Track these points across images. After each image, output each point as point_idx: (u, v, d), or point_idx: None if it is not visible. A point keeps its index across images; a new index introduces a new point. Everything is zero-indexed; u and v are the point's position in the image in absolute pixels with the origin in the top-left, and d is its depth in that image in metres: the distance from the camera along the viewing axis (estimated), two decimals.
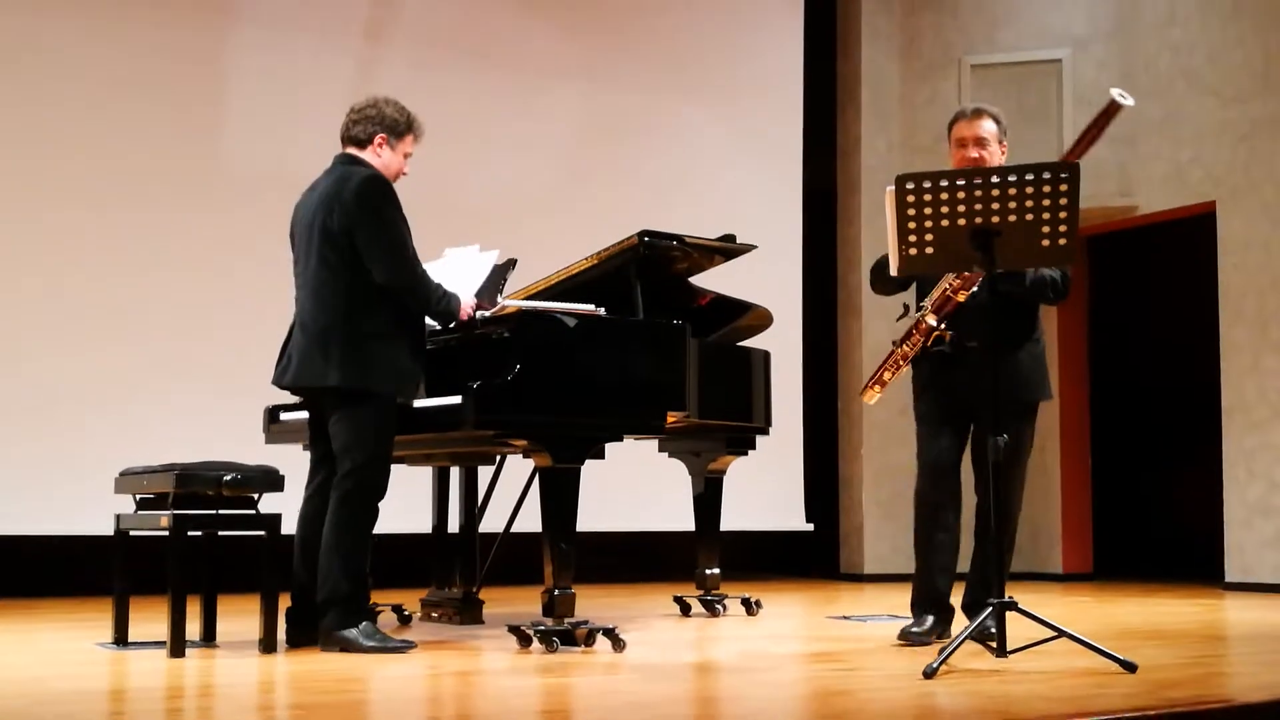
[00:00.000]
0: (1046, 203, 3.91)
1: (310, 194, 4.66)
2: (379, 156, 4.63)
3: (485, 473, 5.68)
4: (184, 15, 7.30)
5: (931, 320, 4.54)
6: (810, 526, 8.73)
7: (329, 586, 4.40)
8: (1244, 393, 7.72)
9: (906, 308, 4.65)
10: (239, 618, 4.84)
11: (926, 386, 4.68)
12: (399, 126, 4.66)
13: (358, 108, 4.67)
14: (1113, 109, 4.34)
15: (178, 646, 4.27)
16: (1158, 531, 9.60)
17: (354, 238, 4.44)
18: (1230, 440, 7.76)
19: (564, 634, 4.48)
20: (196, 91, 7.31)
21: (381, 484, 4.50)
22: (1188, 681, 3.76)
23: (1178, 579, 8.40)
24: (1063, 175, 3.90)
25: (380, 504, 4.51)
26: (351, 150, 4.65)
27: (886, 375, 4.69)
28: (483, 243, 5.05)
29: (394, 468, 4.61)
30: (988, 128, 4.63)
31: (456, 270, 4.85)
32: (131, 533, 4.63)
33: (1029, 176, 3.91)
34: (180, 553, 4.35)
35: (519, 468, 5.45)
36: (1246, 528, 7.64)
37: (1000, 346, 4.32)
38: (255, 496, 4.49)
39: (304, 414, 4.84)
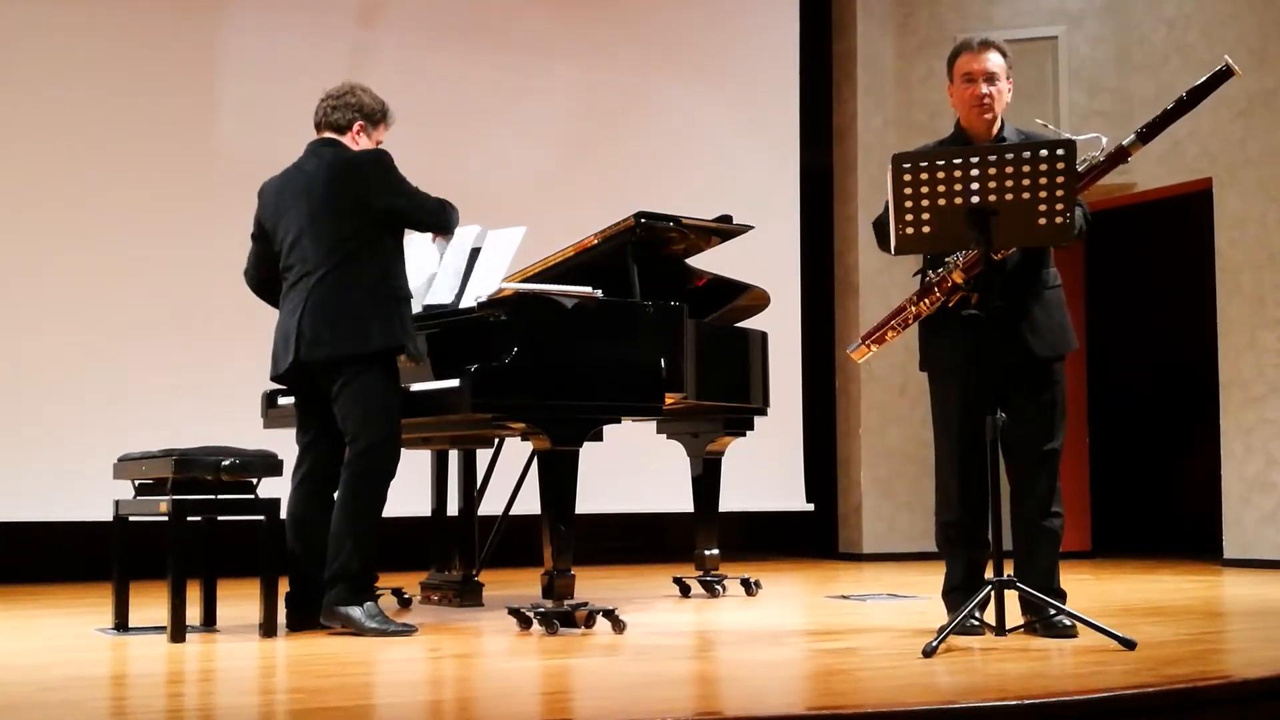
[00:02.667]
0: (1044, 181, 3.88)
1: (296, 178, 4.65)
2: (356, 143, 4.68)
3: (484, 455, 5.68)
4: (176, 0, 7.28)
5: (958, 277, 4.18)
6: (811, 506, 8.73)
7: (340, 562, 4.41)
8: (1241, 369, 7.72)
9: (924, 270, 4.35)
10: (239, 602, 4.85)
11: (961, 359, 4.26)
12: (375, 115, 4.73)
13: (335, 94, 4.73)
14: (1225, 74, 4.14)
15: (178, 631, 4.28)
16: (1156, 508, 9.61)
17: (384, 210, 4.55)
18: (1228, 416, 7.77)
19: (564, 616, 4.48)
20: (190, 77, 7.28)
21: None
22: (1187, 658, 3.77)
23: (1176, 556, 8.41)
24: (1059, 153, 3.88)
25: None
26: (330, 135, 4.69)
27: (890, 335, 4.33)
28: (479, 225, 5.04)
29: None
30: (996, 61, 4.29)
31: (489, 252, 4.93)
32: (130, 518, 4.63)
33: (1026, 155, 3.89)
34: (179, 538, 4.36)
35: (518, 450, 5.45)
36: (1245, 504, 7.65)
37: (1033, 299, 4.26)
38: (254, 481, 4.49)
39: None
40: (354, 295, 4.50)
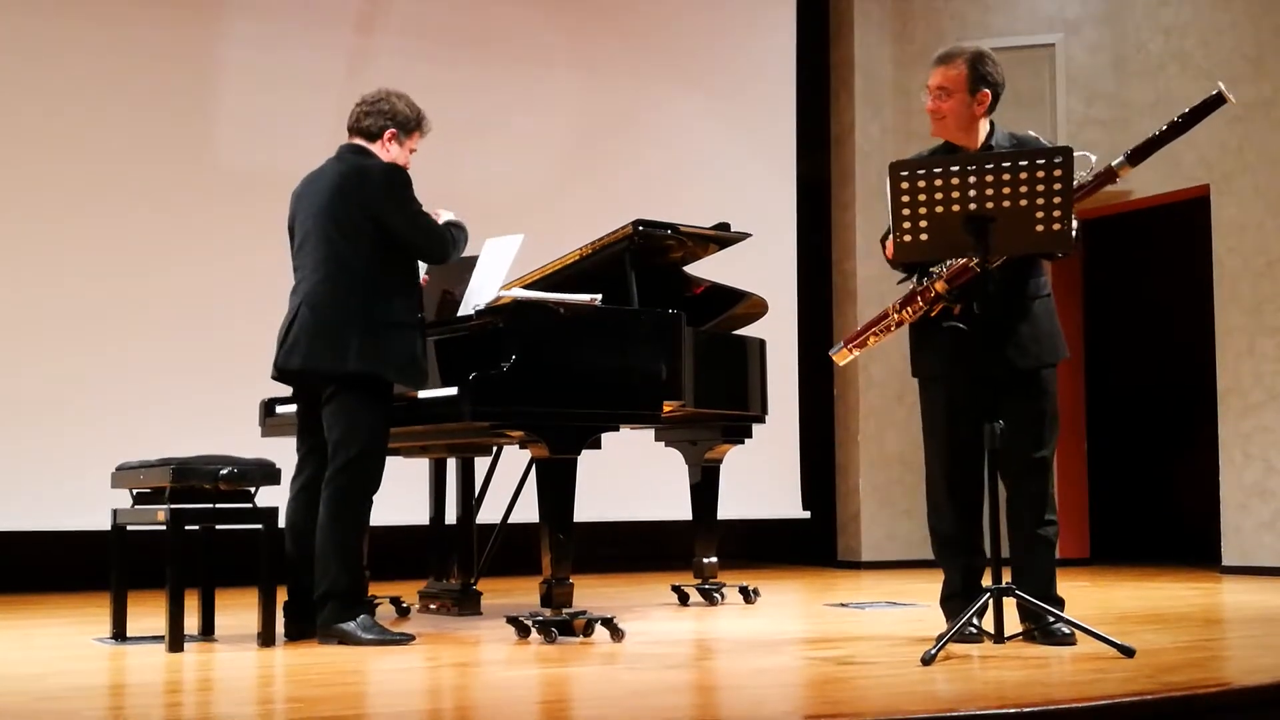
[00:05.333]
0: (1041, 188, 3.89)
1: (317, 180, 4.65)
2: (387, 151, 4.63)
3: (482, 464, 5.68)
4: (173, 8, 7.27)
5: (940, 287, 4.19)
6: (808, 514, 8.73)
7: (327, 580, 4.41)
8: (1239, 376, 7.72)
9: (917, 277, 4.33)
10: (237, 611, 4.85)
11: (947, 368, 4.30)
12: (409, 123, 4.67)
13: (369, 100, 4.67)
14: (1218, 100, 4.12)
15: (176, 641, 4.28)
16: (1155, 516, 9.61)
17: (382, 225, 4.49)
18: (1226, 424, 7.77)
19: (562, 624, 4.48)
20: (188, 86, 7.28)
21: (376, 477, 4.51)
22: (1186, 665, 3.77)
23: (1175, 563, 8.41)
24: (1056, 161, 3.89)
25: (375, 496, 4.52)
26: (360, 141, 4.66)
27: (872, 340, 4.36)
28: (479, 235, 5.04)
29: (391, 460, 4.61)
30: (947, 74, 4.34)
31: (487, 260, 4.94)
32: (129, 527, 4.64)
33: (1023, 163, 3.90)
34: (177, 547, 4.35)
35: (516, 458, 5.45)
36: (1243, 511, 7.65)
37: (1016, 310, 4.25)
38: (252, 490, 4.49)
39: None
40: (340, 311, 4.46)
